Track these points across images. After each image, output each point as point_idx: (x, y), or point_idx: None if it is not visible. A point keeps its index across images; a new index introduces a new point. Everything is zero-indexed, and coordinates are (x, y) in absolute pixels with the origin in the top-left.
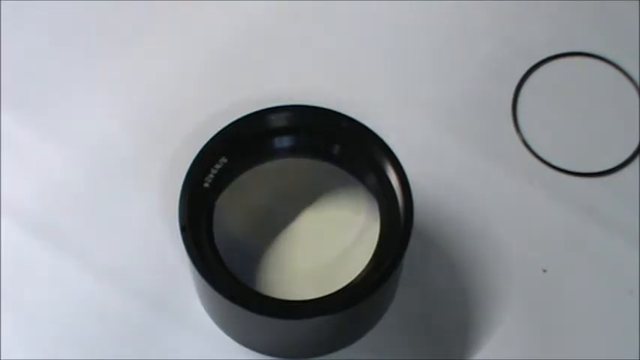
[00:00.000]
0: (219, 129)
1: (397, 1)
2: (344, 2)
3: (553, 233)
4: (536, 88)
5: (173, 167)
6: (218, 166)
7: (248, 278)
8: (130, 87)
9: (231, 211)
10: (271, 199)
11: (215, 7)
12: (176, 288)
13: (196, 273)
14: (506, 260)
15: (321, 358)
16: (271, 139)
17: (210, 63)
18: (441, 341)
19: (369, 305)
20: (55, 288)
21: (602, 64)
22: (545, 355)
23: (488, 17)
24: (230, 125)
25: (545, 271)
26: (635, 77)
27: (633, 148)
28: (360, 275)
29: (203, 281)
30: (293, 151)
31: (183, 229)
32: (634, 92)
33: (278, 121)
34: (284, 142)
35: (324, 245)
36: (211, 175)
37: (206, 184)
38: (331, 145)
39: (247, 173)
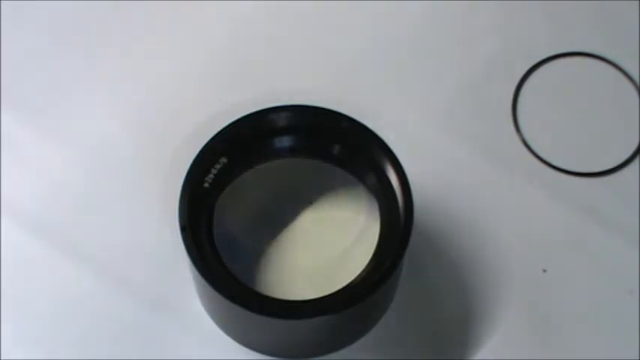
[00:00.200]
0: (219, 129)
1: (397, 1)
2: (344, 2)
3: (553, 233)
4: (536, 88)
5: (173, 167)
6: (218, 166)
7: (248, 278)
8: (130, 87)
9: (231, 211)
10: (271, 199)
11: (215, 7)
12: (176, 288)
13: (196, 273)
14: (506, 260)
15: (321, 358)
16: (271, 139)
17: (210, 63)
18: (441, 341)
19: (369, 305)
20: (55, 288)
21: (602, 64)
22: (545, 355)
23: (489, 17)
24: (230, 125)
25: (545, 271)
26: (635, 77)
27: (633, 148)
28: (360, 275)
29: (203, 281)
30: (293, 151)
31: (183, 229)
32: (634, 92)
33: (278, 121)
34: (284, 142)
35: (324, 245)
36: (211, 175)
37: (206, 184)
38: (331, 145)
39: (247, 173)
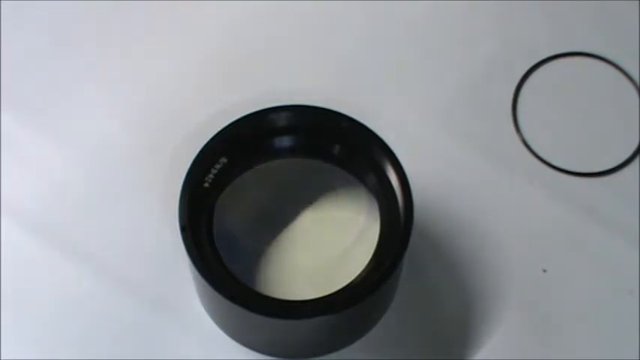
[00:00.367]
0: (219, 129)
1: (397, 1)
2: (344, 2)
3: (553, 233)
4: (536, 88)
5: (173, 167)
6: (218, 166)
7: (248, 278)
8: (130, 87)
9: (231, 211)
10: (271, 199)
11: (215, 7)
12: (176, 288)
13: (196, 273)
14: (506, 260)
15: (321, 358)
16: (271, 139)
17: (210, 63)
18: (441, 341)
19: (369, 305)
20: (55, 288)
21: (602, 64)
22: (545, 355)
23: (489, 17)
24: (230, 125)
25: (545, 271)
26: (635, 77)
27: (633, 148)
28: (360, 275)
29: (203, 281)
30: (293, 151)
31: (183, 229)
32: (634, 92)
33: (278, 121)
34: (284, 142)
35: (324, 245)
36: (211, 175)
37: (206, 184)
38: (331, 145)
39: (247, 173)
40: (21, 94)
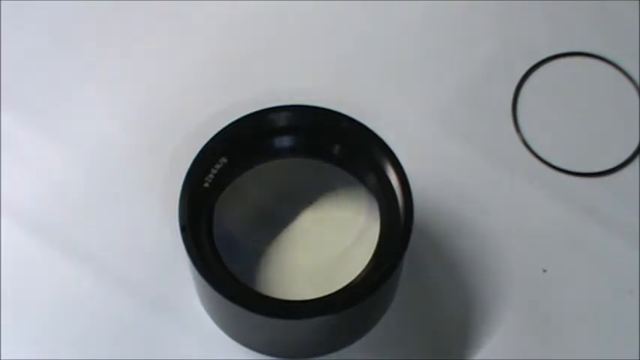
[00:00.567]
0: (219, 129)
1: (397, 1)
2: (344, 2)
3: (553, 233)
4: (536, 88)
5: (173, 167)
6: (218, 166)
7: (248, 278)
8: (130, 87)
9: (231, 211)
10: (271, 199)
11: (215, 7)
12: (176, 288)
13: (196, 273)
14: (506, 260)
15: (321, 358)
16: (271, 139)
17: (210, 63)
18: (441, 341)
19: (369, 305)
20: (55, 288)
21: (602, 64)
22: (545, 355)
23: (489, 17)
24: (230, 125)
25: (545, 271)
26: (635, 77)
27: (633, 148)
28: (360, 275)
29: (203, 281)
30: (293, 151)
31: (183, 229)
32: (634, 92)
33: (278, 121)
34: (284, 142)
35: (324, 245)
36: (211, 175)
37: (206, 184)
38: (331, 145)
39: (247, 173)
40: (21, 94)
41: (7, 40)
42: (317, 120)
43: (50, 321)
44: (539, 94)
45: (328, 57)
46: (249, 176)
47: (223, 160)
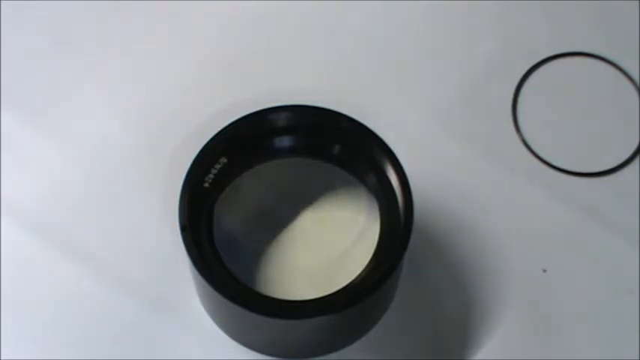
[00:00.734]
0: (219, 129)
1: (397, 1)
2: (344, 2)
3: (553, 233)
4: (536, 88)
5: (173, 167)
6: (218, 166)
7: (248, 278)
8: (130, 87)
9: (231, 211)
10: (271, 199)
11: (215, 7)
12: (176, 288)
13: (196, 273)
14: (506, 260)
15: (321, 358)
16: (271, 139)
17: (210, 63)
18: (441, 341)
19: (369, 305)
20: (55, 288)
21: (602, 64)
22: (545, 355)
23: (489, 17)
24: (230, 125)
25: (545, 271)
26: (635, 77)
27: (633, 148)
28: (360, 275)
29: (203, 281)
30: (293, 151)
31: (183, 229)
32: (634, 92)
33: (278, 121)
34: (284, 142)
35: (324, 245)
36: (211, 175)
37: (206, 184)
38: (331, 145)
39: (247, 173)
40: (21, 94)
41: (7, 40)
42: (317, 120)
43: (50, 321)
44: (539, 94)
45: (328, 57)
46: (249, 176)
47: (223, 160)
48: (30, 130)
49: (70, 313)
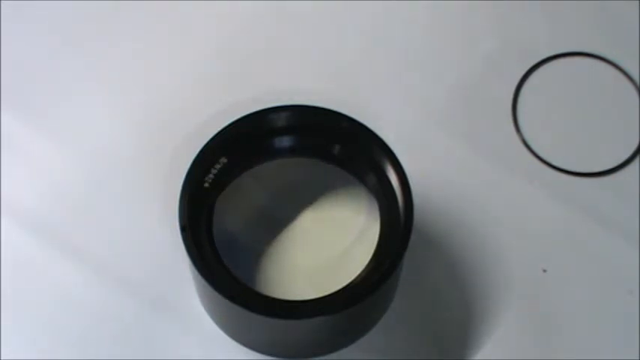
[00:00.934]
0: (219, 129)
1: (397, 1)
2: (344, 2)
3: (553, 233)
4: (536, 88)
5: (173, 167)
6: (218, 166)
7: (248, 278)
8: (130, 87)
9: (231, 211)
10: (271, 199)
11: (215, 7)
12: (176, 288)
13: (196, 273)
14: (506, 260)
15: (321, 358)
16: (271, 139)
17: (211, 63)
18: (441, 341)
19: (368, 305)
20: (55, 288)
21: (602, 64)
22: (545, 355)
23: (489, 17)
24: (230, 125)
25: (545, 271)
26: (635, 77)
27: (633, 148)
28: (360, 275)
29: (203, 281)
30: (293, 151)
31: (183, 229)
32: (634, 92)
33: (278, 121)
34: (284, 142)
35: (324, 245)
36: (211, 175)
37: (206, 184)
38: (331, 145)
39: (247, 173)
40: (21, 94)
41: (7, 40)
42: (317, 120)
43: (50, 321)
44: (539, 94)
45: (328, 57)
46: (249, 176)
47: (223, 160)
48: (30, 130)
49: (70, 313)
